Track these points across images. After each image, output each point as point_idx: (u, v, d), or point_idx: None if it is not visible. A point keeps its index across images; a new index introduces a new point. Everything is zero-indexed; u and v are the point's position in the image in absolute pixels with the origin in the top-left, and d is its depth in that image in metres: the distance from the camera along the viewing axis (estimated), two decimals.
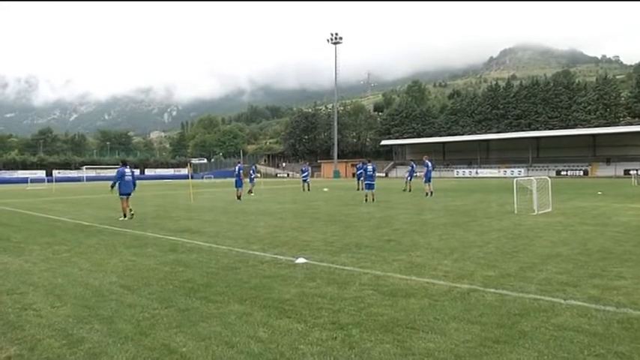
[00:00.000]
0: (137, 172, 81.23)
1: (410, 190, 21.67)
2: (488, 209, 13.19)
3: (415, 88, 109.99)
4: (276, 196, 21.42)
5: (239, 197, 18.75)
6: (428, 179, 19.46)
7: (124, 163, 12.59)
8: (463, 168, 61.43)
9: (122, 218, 12.01)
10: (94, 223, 11.24)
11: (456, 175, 58.14)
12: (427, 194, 18.82)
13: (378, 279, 5.17)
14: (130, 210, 12.18)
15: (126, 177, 12.31)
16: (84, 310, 4.28)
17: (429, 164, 20.02)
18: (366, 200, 16.26)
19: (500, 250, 6.72)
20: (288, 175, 76.33)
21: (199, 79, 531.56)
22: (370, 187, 16.60)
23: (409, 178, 22.77)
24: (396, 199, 18.04)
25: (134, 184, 12.52)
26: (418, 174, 26.43)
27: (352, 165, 61.95)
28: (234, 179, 19.84)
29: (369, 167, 16.83)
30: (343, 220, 11.05)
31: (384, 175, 65.26)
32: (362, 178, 20.16)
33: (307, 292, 4.71)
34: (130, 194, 12.30)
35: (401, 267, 5.76)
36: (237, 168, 19.79)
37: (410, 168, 23.28)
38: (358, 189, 24.13)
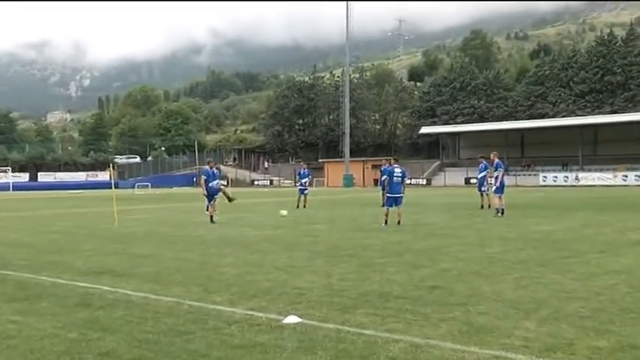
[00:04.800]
0: (26, 177, 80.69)
1: (489, 207, 22.05)
2: (597, 238, 13.18)
3: (476, 43, 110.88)
4: (253, 216, 21.50)
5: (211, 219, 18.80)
6: (501, 189, 19.80)
7: None
8: (554, 171, 61.80)
9: None
10: None
11: (542, 183, 58.41)
12: (497, 212, 19.23)
13: (416, 350, 5.16)
14: None
15: None
16: None
17: (503, 165, 20.43)
18: (386, 222, 16.40)
19: (618, 306, 6.69)
20: (271, 182, 76.70)
21: (128, 29, 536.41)
22: (396, 202, 16.59)
23: (484, 189, 23.04)
24: (442, 222, 18.04)
25: None
26: (490, 181, 26.90)
27: (374, 166, 62.26)
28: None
29: (397, 170, 16.91)
30: (359, 254, 11.08)
31: (424, 182, 65.49)
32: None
33: None
34: None
35: (453, 331, 5.76)
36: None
37: (481, 172, 23.26)
38: (383, 204, 24.25)
